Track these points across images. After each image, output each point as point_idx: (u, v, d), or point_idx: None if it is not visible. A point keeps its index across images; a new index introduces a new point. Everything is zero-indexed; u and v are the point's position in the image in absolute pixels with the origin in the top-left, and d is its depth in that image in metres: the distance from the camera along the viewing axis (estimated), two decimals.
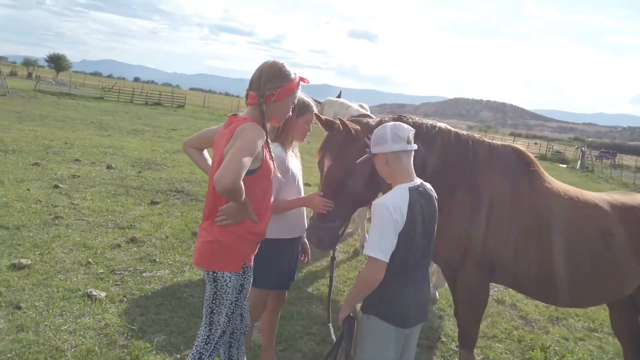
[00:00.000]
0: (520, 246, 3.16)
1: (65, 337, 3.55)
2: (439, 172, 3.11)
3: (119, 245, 5.66)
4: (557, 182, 3.41)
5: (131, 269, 5.05)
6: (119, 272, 4.91)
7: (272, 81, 2.40)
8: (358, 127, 2.98)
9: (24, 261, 4.73)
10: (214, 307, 2.49)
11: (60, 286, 4.36)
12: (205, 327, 2.54)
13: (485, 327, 4.92)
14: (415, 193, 2.36)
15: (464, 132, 3.34)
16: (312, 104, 3.12)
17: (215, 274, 2.42)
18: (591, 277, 3.17)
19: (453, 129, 3.31)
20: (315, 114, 3.11)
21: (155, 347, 3.58)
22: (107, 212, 6.99)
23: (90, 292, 4.28)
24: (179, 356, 3.50)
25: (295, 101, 2.59)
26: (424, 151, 3.02)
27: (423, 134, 3.09)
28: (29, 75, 63.83)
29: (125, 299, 4.33)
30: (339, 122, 2.98)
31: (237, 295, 2.49)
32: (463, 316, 3.34)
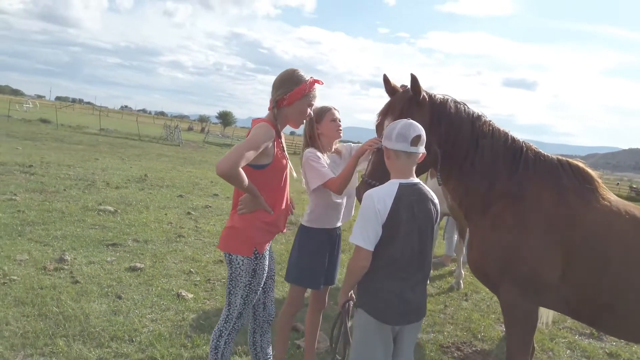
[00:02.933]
0: (569, 266, 2.88)
1: (146, 323, 4.12)
2: (480, 173, 3.03)
3: (222, 261, 6.28)
4: (621, 201, 3.06)
5: (224, 280, 5.58)
6: (212, 281, 5.47)
7: (282, 87, 2.68)
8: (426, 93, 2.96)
9: (138, 265, 5.57)
10: (231, 288, 2.76)
11: (159, 286, 5.04)
12: (226, 307, 2.82)
13: None
14: (407, 189, 2.39)
15: (521, 139, 3.19)
16: (329, 105, 3.30)
17: (230, 257, 2.71)
18: None
19: (510, 132, 3.19)
20: (384, 75, 3.06)
21: None
22: None
23: (181, 292, 4.87)
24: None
25: (312, 102, 2.78)
26: (470, 146, 2.99)
27: (476, 128, 3.04)
28: (202, 130, 73.33)
29: (208, 302, 4.82)
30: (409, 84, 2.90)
31: (250, 279, 2.73)
32: (508, 339, 3.09)
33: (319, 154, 3.20)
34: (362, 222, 2.36)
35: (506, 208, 3.01)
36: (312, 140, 3.28)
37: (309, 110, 2.78)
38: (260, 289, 2.85)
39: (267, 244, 2.79)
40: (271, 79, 2.84)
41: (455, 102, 3.08)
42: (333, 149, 3.39)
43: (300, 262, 3.25)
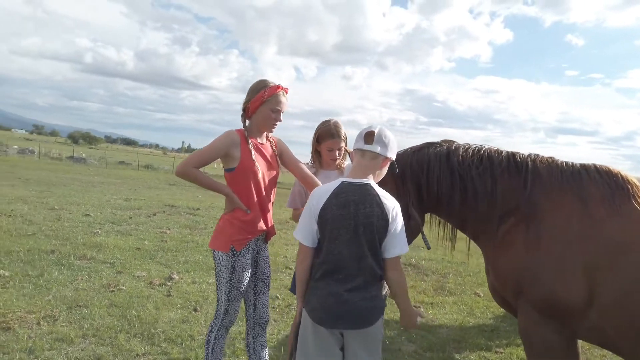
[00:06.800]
0: (596, 286, 2.36)
1: (204, 332, 4.44)
2: (474, 203, 2.74)
3: None
4: None
5: None
6: (292, 307, 5.61)
7: (246, 97, 2.90)
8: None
9: None
10: (217, 284, 2.93)
11: None
12: (216, 303, 2.97)
13: None
14: (349, 187, 2.29)
15: (524, 153, 2.82)
16: (337, 133, 3.19)
17: (214, 252, 2.91)
18: None
19: (508, 151, 2.85)
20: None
21: None
22: None
23: None
24: None
25: (277, 107, 2.86)
26: (469, 174, 2.76)
27: (453, 163, 2.80)
28: None
29: (274, 323, 4.97)
30: None
31: (229, 275, 2.85)
32: None
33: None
34: (301, 218, 2.39)
35: (516, 225, 2.66)
36: (313, 154, 3.34)
37: (273, 115, 2.88)
38: (245, 287, 2.93)
39: (246, 242, 2.89)
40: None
41: (417, 148, 2.88)
42: (335, 167, 3.35)
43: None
